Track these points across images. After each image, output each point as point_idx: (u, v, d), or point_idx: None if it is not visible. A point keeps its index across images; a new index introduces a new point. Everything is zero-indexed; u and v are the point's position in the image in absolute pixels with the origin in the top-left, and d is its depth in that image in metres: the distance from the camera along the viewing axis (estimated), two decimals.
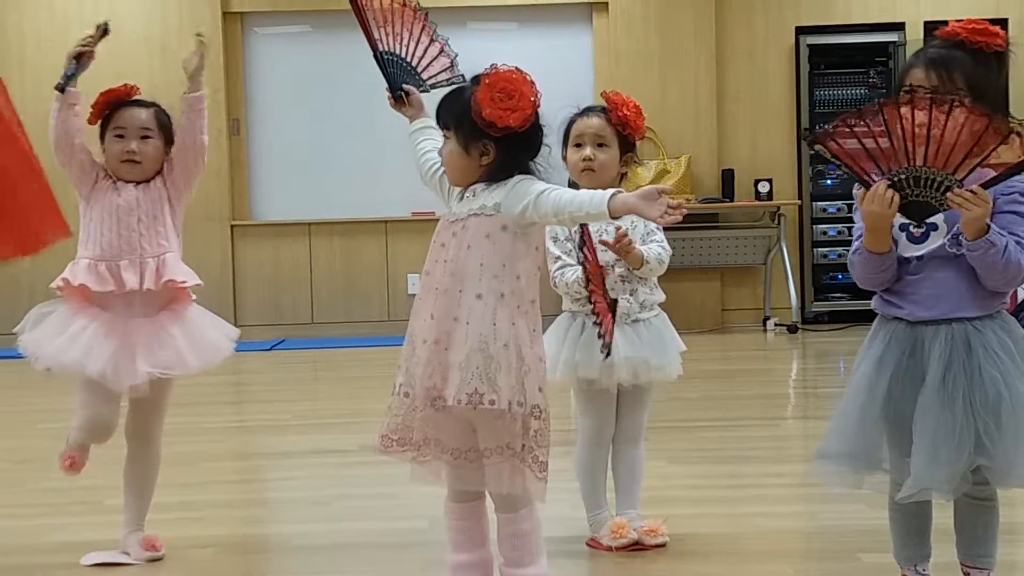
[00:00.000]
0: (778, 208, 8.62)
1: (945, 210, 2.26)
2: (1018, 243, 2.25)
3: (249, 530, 3.50)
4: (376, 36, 2.70)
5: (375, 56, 2.71)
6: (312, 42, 8.93)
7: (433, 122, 2.59)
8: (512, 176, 2.41)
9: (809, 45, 8.84)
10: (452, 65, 2.75)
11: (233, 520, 3.59)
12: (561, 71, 8.73)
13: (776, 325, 8.57)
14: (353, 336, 8.61)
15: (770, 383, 6.50)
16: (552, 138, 2.50)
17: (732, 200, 8.69)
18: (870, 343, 2.39)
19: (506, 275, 2.38)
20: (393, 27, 2.72)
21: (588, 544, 3.08)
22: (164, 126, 3.16)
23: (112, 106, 3.14)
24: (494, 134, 2.38)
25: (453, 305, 2.38)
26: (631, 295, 3.04)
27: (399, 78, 2.71)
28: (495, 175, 2.42)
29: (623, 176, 3.07)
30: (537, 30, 8.91)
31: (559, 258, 3.03)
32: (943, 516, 2.46)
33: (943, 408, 2.24)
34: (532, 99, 2.37)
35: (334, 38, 8.82)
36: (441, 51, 2.76)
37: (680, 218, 2.24)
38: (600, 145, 3.00)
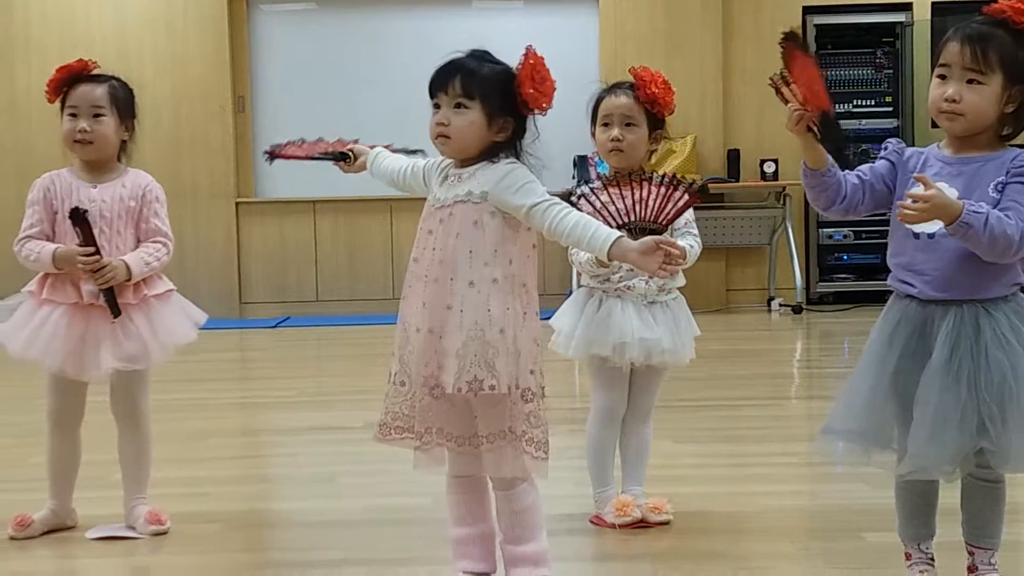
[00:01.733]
0: (784, 188, 8.61)
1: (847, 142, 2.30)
2: (1008, 212, 2.21)
3: (254, 505, 3.51)
4: (310, 155, 2.88)
5: (318, 158, 2.87)
6: (317, 20, 8.91)
7: (381, 148, 2.67)
8: (497, 158, 2.41)
9: (816, 25, 8.80)
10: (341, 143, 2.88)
11: (238, 496, 3.60)
12: (567, 51, 8.69)
13: (781, 305, 8.56)
14: (357, 314, 8.62)
15: (774, 363, 6.50)
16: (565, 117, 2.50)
17: (738, 180, 8.68)
18: (883, 320, 2.38)
19: (497, 260, 2.38)
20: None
21: (592, 521, 3.08)
22: (120, 102, 3.09)
23: (68, 83, 3.07)
24: (524, 113, 2.40)
25: (445, 293, 2.37)
26: (650, 277, 3.04)
27: (335, 153, 2.81)
28: (494, 152, 2.41)
29: (652, 153, 3.08)
30: (543, 9, 8.87)
31: None
32: (950, 495, 2.46)
33: (946, 388, 2.23)
34: (554, 87, 2.40)
35: (339, 16, 8.81)
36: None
37: (679, 270, 2.41)
38: (628, 124, 2.99)
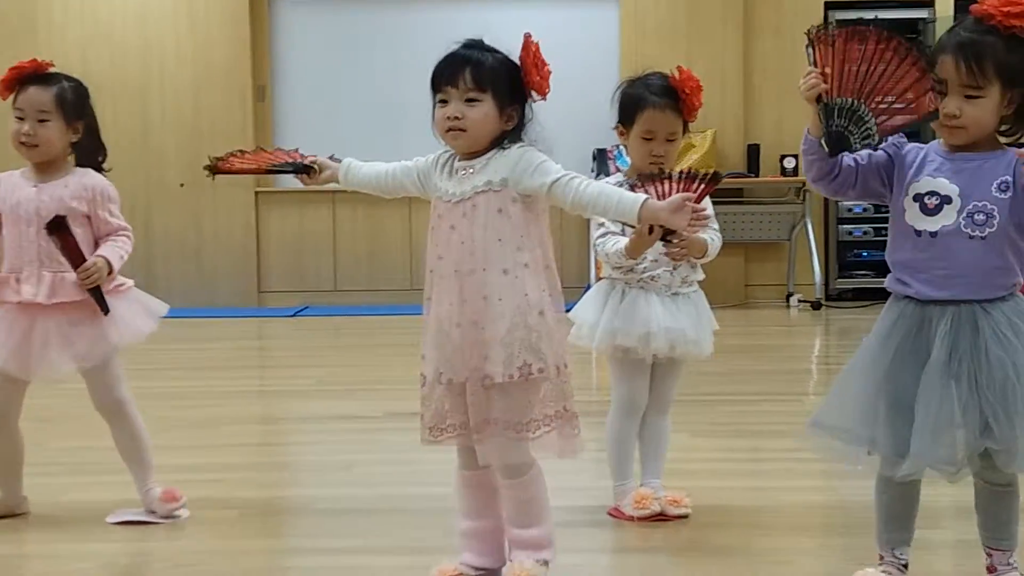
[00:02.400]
0: (803, 184, 8.57)
1: (863, 147, 2.28)
2: None
3: (272, 493, 3.51)
4: (258, 167, 2.88)
5: (269, 171, 2.89)
6: (338, 9, 8.91)
7: (353, 159, 2.67)
8: (506, 145, 2.42)
9: (837, 20, 8.73)
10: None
11: (256, 483, 3.61)
12: (586, 44, 8.70)
13: (800, 301, 8.54)
14: (376, 304, 8.63)
15: (793, 359, 6.48)
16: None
17: (757, 175, 8.65)
18: (880, 321, 2.37)
19: (525, 244, 2.40)
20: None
21: (610, 513, 3.08)
22: (67, 105, 3.09)
23: (19, 82, 3.08)
24: (532, 100, 2.43)
25: (480, 284, 2.38)
26: (673, 269, 3.04)
27: (295, 165, 2.78)
28: (500, 142, 2.43)
29: None
30: (563, 2, 8.85)
31: (602, 225, 3.01)
32: (964, 494, 2.45)
33: (946, 387, 2.22)
34: (551, 71, 2.43)
35: (359, 6, 8.81)
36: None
37: (706, 224, 2.40)
38: (670, 140, 2.99)
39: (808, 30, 2.32)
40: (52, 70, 3.13)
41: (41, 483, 3.51)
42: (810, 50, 2.31)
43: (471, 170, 2.43)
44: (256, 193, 8.74)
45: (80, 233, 3.03)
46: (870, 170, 2.37)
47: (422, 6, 8.73)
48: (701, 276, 3.13)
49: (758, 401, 4.88)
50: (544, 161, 2.40)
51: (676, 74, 2.99)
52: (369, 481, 3.59)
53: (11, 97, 3.09)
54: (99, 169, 3.17)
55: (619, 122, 3.06)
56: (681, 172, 2.79)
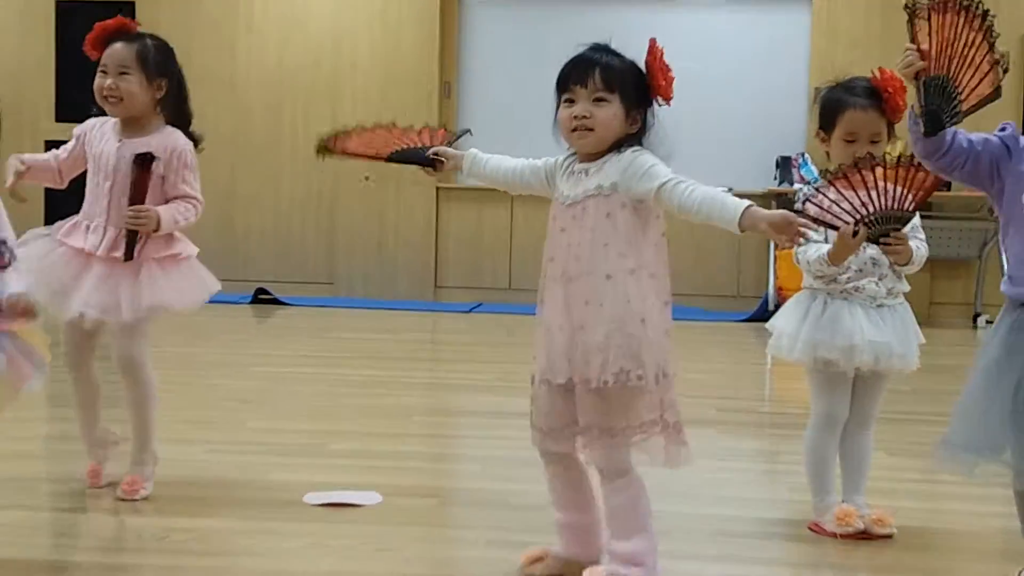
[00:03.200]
0: None
1: (951, 125, 2.27)
2: None
3: (466, 484, 3.55)
4: (375, 153, 2.85)
5: (389, 160, 2.84)
6: (523, 11, 8.98)
7: (477, 150, 2.68)
8: (623, 149, 2.42)
9: None
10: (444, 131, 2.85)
11: (448, 473, 3.66)
12: (772, 50, 8.55)
13: (988, 323, 8.21)
14: None
15: None
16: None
17: (949, 189, 8.35)
18: (995, 328, 2.30)
19: (632, 251, 2.38)
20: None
21: (811, 528, 3.02)
22: (149, 61, 3.15)
23: (104, 40, 3.17)
24: (659, 104, 2.43)
25: (584, 289, 2.38)
26: (879, 280, 2.96)
27: (417, 155, 2.77)
28: (620, 145, 2.43)
29: None
30: (751, 6, 8.71)
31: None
32: None
33: None
34: (674, 78, 2.43)
35: (546, 5, 8.86)
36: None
37: (802, 242, 2.39)
38: (874, 142, 2.91)
39: (906, 4, 2.25)
40: (137, 30, 3.21)
41: (242, 461, 3.64)
42: (910, 25, 2.25)
43: (586, 173, 2.44)
44: (437, 189, 8.87)
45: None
46: (983, 155, 2.31)
47: (606, 10, 8.72)
48: (906, 288, 3.05)
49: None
50: (654, 165, 2.39)
51: (877, 75, 2.92)
52: None
53: (97, 57, 3.18)
54: (187, 131, 3.22)
55: (820, 128, 3.00)
56: (900, 157, 2.66)
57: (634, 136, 2.45)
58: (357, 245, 8.88)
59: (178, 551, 2.76)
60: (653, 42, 2.43)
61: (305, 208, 8.78)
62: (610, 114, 2.41)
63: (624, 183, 2.39)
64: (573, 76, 2.44)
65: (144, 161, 3.07)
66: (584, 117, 2.41)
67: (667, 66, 2.42)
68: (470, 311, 8.45)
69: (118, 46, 3.15)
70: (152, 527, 2.93)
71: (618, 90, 2.41)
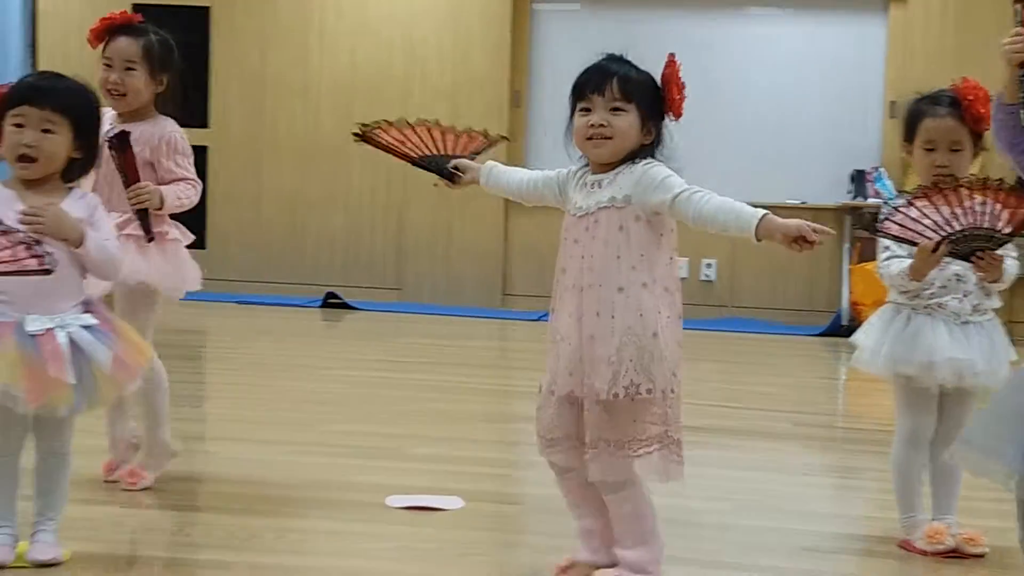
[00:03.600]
0: None
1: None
2: None
3: (548, 491, 3.54)
4: (405, 152, 2.85)
5: (415, 164, 2.83)
6: (594, 19, 8.97)
7: (495, 162, 2.68)
8: (636, 160, 2.41)
9: None
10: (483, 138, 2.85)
11: (528, 480, 3.66)
12: (846, 62, 8.47)
13: None
14: None
15: None
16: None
17: None
18: None
19: (644, 264, 2.37)
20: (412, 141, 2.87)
21: (901, 546, 2.97)
22: (154, 57, 3.15)
23: (108, 33, 3.17)
24: (670, 119, 2.43)
25: (595, 301, 2.37)
26: (964, 296, 2.92)
27: (439, 165, 2.76)
28: (634, 156, 2.42)
29: None
30: (825, 19, 8.63)
31: (887, 248, 2.92)
32: None
33: None
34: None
35: (617, 15, 8.85)
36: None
37: (811, 247, 2.27)
38: (955, 151, 2.88)
39: None
40: (140, 24, 3.22)
41: (323, 463, 3.66)
42: (1018, 7, 2.20)
43: (599, 185, 2.43)
44: (506, 199, 8.87)
45: (149, 177, 3.07)
46: None
47: (674, 21, 8.69)
48: (997, 304, 3.00)
49: None
50: (668, 176, 2.38)
51: (959, 83, 2.90)
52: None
53: (98, 47, 3.18)
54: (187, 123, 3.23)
55: (903, 140, 2.98)
56: (988, 179, 2.63)
57: (648, 147, 2.44)
58: (425, 251, 8.91)
59: (269, 550, 2.78)
60: (672, 57, 2.43)
61: (374, 213, 8.84)
62: (627, 123, 2.40)
63: (638, 195, 2.39)
64: (590, 85, 2.43)
65: (120, 142, 3.02)
66: (601, 125, 2.40)
67: (682, 81, 2.42)
68: (537, 320, 8.44)
69: (123, 40, 3.16)
70: (241, 527, 2.94)
71: (635, 100, 2.40)
